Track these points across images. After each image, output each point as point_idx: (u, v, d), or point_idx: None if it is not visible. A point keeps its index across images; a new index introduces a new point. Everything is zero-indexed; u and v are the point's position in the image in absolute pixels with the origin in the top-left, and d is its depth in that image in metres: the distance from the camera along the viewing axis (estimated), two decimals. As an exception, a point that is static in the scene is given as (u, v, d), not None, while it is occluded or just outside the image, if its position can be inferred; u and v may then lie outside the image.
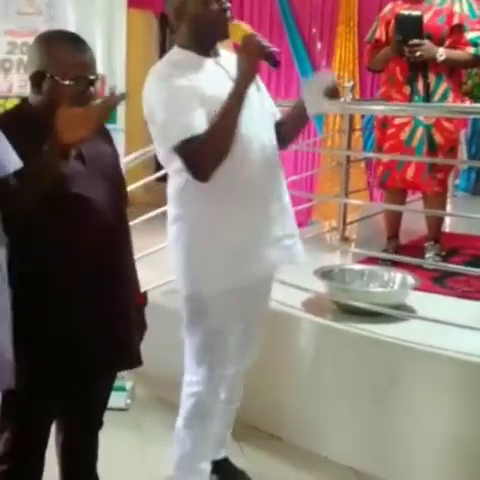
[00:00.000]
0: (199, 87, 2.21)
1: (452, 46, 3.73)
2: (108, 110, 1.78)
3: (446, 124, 3.78)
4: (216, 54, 2.35)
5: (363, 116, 5.92)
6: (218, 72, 2.31)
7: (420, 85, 3.75)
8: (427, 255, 3.89)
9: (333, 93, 2.35)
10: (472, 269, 3.29)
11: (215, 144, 2.19)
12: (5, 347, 1.73)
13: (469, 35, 3.74)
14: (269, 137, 2.39)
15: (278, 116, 2.52)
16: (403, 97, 3.78)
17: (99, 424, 2.25)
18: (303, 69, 6.57)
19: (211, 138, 2.18)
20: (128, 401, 3.42)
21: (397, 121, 3.83)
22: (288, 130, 2.50)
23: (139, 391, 3.55)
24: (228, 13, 2.25)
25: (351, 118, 4.48)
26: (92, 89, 1.96)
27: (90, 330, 1.98)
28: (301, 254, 2.51)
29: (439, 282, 3.54)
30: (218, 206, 2.32)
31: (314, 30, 6.53)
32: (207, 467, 2.60)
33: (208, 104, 2.20)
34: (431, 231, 3.99)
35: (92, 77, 1.95)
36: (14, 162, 1.70)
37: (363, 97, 6.18)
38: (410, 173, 3.86)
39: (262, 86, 2.45)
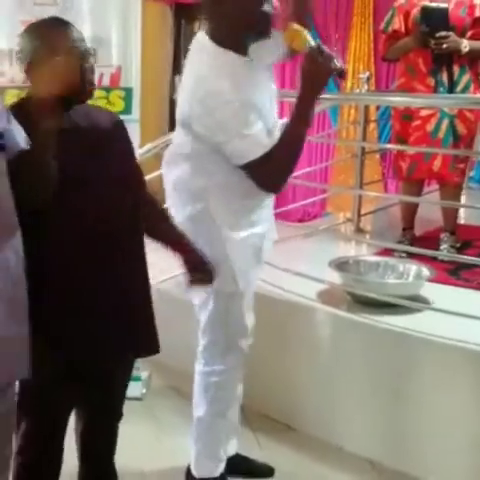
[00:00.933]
0: (252, 97, 2.18)
1: (474, 38, 3.72)
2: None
3: (468, 114, 3.79)
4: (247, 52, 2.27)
5: (378, 107, 5.89)
6: (258, 75, 2.27)
7: (444, 76, 3.74)
8: (442, 247, 3.87)
9: None
10: (487, 261, 3.28)
11: (288, 162, 2.22)
12: (23, 336, 1.75)
13: None
14: None
15: None
16: (427, 89, 3.77)
17: (118, 415, 2.25)
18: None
19: (284, 157, 2.20)
20: (143, 390, 3.44)
21: (423, 113, 3.81)
22: None
23: (154, 381, 3.57)
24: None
25: (366, 109, 4.47)
26: (87, 63, 1.92)
27: (99, 318, 1.97)
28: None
29: (454, 274, 3.53)
30: (247, 198, 2.34)
31: (329, 22, 6.50)
32: (224, 454, 2.65)
33: (261, 113, 2.20)
34: (447, 222, 3.97)
35: (82, 49, 1.91)
36: (25, 140, 1.72)
37: (378, 88, 6.15)
38: (437, 164, 3.84)
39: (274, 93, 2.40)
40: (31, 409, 2.01)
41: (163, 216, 2.25)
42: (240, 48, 2.22)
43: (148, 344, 2.15)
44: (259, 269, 2.50)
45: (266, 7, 2.15)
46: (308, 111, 2.14)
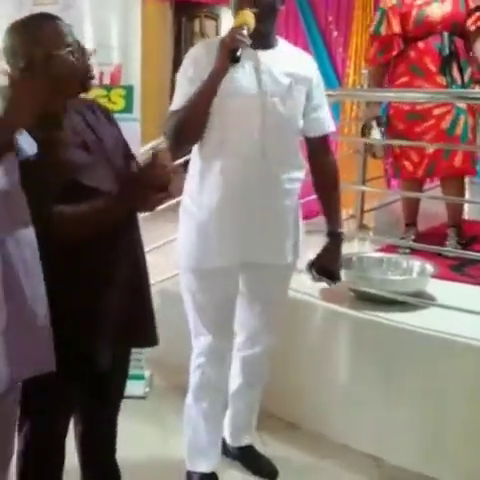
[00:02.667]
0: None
1: (476, 25, 3.75)
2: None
3: (475, 106, 3.81)
4: (267, 46, 2.35)
5: (380, 103, 5.86)
6: (247, 66, 2.29)
7: (455, 72, 3.74)
8: (448, 242, 3.86)
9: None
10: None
11: (182, 122, 2.28)
12: (46, 329, 1.75)
13: None
14: (273, 147, 2.36)
15: (313, 133, 2.50)
16: (439, 88, 3.75)
17: (116, 408, 2.25)
18: (319, 56, 6.52)
19: (181, 116, 2.28)
20: (147, 389, 3.44)
21: (436, 111, 3.79)
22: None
23: (156, 379, 3.57)
24: (254, 6, 2.26)
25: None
26: (71, 58, 1.86)
27: (104, 310, 1.98)
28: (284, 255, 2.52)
29: (458, 270, 3.52)
30: (200, 186, 2.40)
31: (330, 17, 6.48)
32: (213, 451, 2.67)
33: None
34: (452, 218, 3.96)
35: (68, 48, 1.86)
36: (32, 146, 1.71)
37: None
38: (459, 160, 3.84)
39: (298, 97, 2.40)
40: (32, 412, 2.01)
41: None
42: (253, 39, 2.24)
43: (149, 335, 2.15)
44: (213, 250, 2.41)
45: None
46: (207, 85, 2.24)
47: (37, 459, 2.06)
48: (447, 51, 3.74)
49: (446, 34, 3.75)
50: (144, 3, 3.73)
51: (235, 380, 2.74)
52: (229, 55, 2.17)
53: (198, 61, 2.33)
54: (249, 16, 2.23)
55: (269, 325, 2.65)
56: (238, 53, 2.16)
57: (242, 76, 2.28)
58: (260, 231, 2.42)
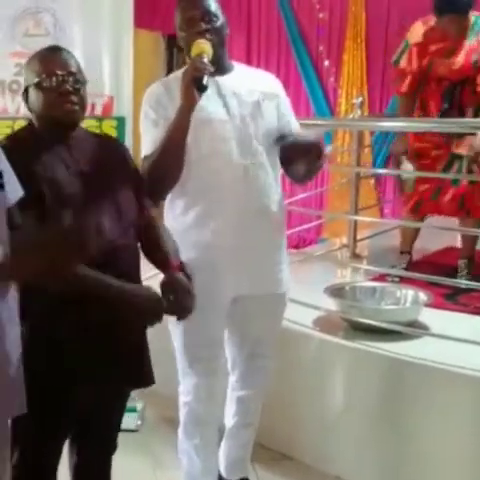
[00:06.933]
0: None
1: None
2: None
3: None
4: (224, 71, 2.35)
5: (372, 132, 5.90)
6: (209, 93, 2.23)
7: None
8: (460, 274, 3.83)
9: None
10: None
11: (160, 163, 2.21)
12: (15, 370, 1.72)
13: None
14: (253, 169, 2.33)
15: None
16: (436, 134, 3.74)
17: (113, 447, 2.23)
18: (311, 86, 6.58)
19: (157, 158, 2.21)
20: (139, 422, 3.40)
21: (433, 153, 3.80)
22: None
23: (149, 412, 3.53)
24: (207, 36, 2.24)
25: (360, 135, 4.47)
26: (67, 86, 1.94)
27: (98, 350, 1.96)
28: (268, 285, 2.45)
29: (451, 298, 3.50)
30: (185, 223, 2.34)
31: (321, 47, 6.54)
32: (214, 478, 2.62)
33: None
34: (465, 249, 3.94)
35: (62, 72, 1.94)
36: (15, 191, 1.69)
37: (372, 113, 6.17)
38: (445, 202, 3.83)
39: (269, 113, 2.38)
40: (22, 442, 1.97)
41: (158, 241, 2.14)
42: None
43: (144, 375, 2.13)
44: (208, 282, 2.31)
45: (192, 30, 2.26)
46: (178, 122, 2.18)
47: None
48: (447, 103, 3.72)
49: (452, 85, 3.72)
50: (136, 34, 3.74)
51: (230, 419, 2.68)
52: (195, 85, 2.12)
53: (159, 101, 2.30)
54: (206, 44, 2.22)
55: (261, 366, 2.59)
56: (204, 81, 2.12)
57: (207, 103, 2.25)
58: (251, 261, 2.37)
